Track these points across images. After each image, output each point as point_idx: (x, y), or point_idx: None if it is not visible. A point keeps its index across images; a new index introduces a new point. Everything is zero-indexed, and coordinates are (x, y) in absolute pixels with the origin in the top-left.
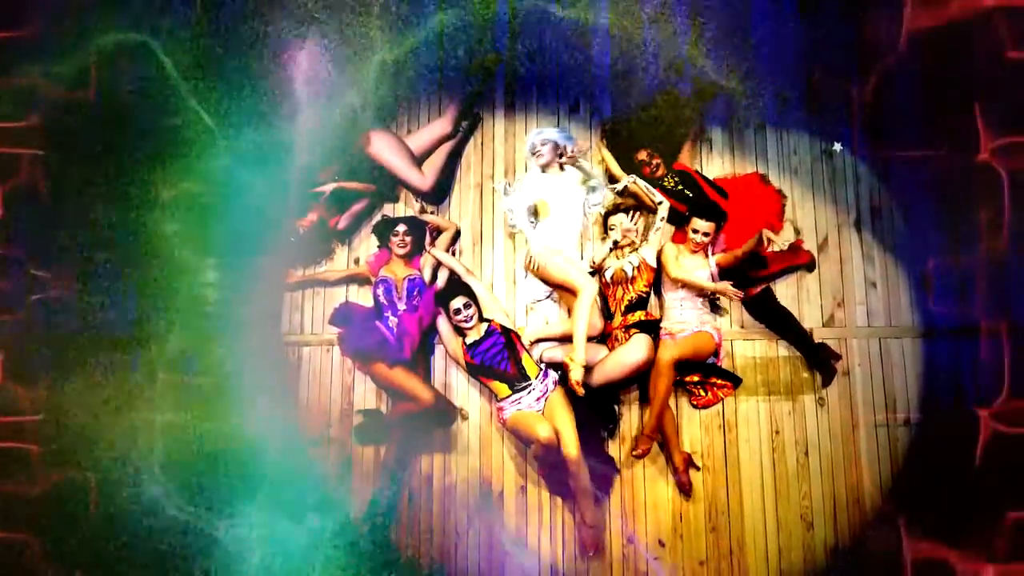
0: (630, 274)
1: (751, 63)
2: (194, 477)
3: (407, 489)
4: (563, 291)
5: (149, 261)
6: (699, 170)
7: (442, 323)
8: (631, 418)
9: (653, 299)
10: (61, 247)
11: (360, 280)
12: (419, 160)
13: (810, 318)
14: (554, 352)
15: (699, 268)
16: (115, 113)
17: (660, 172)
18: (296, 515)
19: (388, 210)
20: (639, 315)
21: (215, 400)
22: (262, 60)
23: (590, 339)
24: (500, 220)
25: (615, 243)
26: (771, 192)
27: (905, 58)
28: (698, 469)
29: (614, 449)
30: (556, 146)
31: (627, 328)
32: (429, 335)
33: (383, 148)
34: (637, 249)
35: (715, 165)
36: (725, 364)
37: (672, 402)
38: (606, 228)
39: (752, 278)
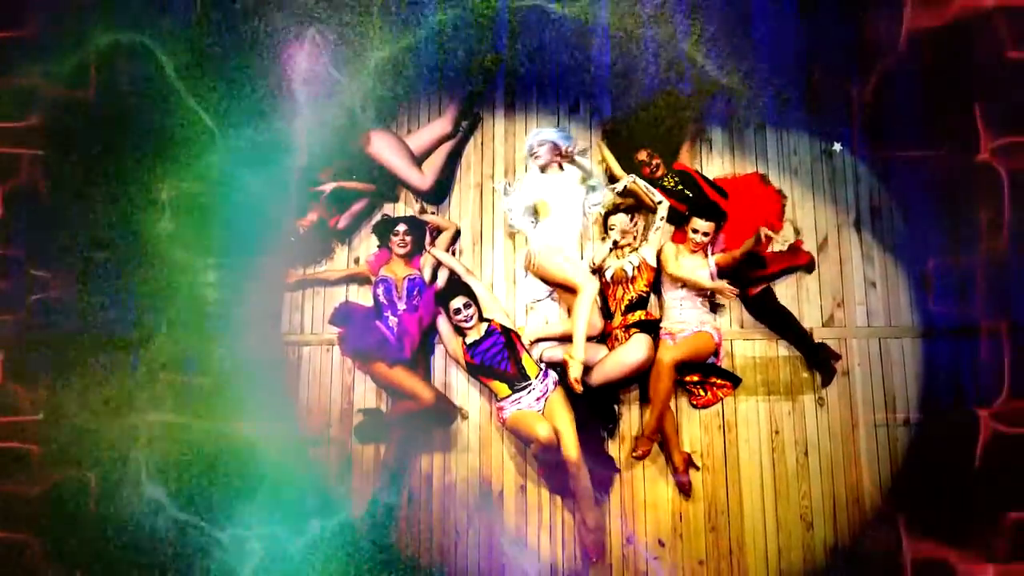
0: (630, 274)
1: (751, 63)
2: (194, 477)
3: (407, 488)
4: (563, 290)
5: (149, 261)
6: (699, 170)
7: (442, 323)
8: (631, 418)
9: (653, 299)
10: (61, 247)
11: (360, 280)
12: (419, 160)
13: (810, 318)
14: (554, 352)
15: (699, 268)
16: (115, 113)
17: (660, 172)
18: (296, 514)
19: (388, 210)
20: (639, 315)
21: (214, 400)
22: (262, 60)
23: (590, 339)
24: (500, 220)
25: (615, 243)
26: (771, 192)
27: (905, 58)
28: (698, 469)
29: (614, 449)
30: (554, 147)
31: (627, 328)
32: (429, 335)
33: (383, 148)
34: (637, 249)
35: (715, 165)
36: (725, 364)
37: (672, 402)
38: (606, 228)
39: (752, 278)
